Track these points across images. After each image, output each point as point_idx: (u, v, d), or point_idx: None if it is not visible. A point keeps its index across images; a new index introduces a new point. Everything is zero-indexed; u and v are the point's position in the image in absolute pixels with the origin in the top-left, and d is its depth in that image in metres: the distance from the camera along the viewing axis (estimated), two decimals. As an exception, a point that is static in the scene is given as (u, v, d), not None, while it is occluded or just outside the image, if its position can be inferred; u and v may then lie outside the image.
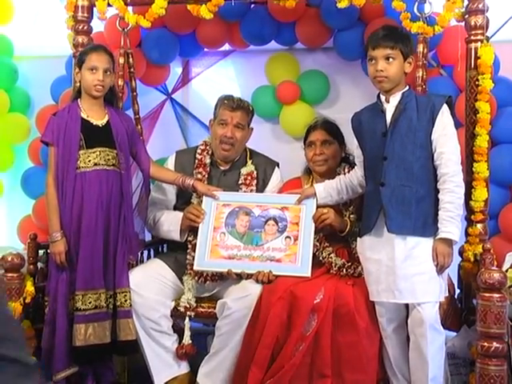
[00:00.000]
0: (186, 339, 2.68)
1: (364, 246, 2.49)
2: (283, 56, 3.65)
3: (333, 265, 2.69)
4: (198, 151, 2.98)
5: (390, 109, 2.42)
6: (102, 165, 2.65)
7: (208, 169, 2.94)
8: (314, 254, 2.72)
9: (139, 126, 3.17)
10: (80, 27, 2.86)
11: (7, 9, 3.25)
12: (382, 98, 2.46)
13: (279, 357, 2.46)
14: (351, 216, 2.77)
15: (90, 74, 2.66)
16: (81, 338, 2.56)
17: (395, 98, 2.42)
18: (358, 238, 2.54)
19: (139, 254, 3.01)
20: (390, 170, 2.37)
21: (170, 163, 3.01)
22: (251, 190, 2.90)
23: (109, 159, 2.67)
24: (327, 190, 2.72)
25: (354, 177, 2.67)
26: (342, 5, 2.76)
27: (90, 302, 2.57)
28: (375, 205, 2.41)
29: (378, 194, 2.40)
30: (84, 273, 2.60)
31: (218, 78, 3.78)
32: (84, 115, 2.69)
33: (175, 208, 2.98)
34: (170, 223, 2.86)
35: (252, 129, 3.03)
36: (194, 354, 2.70)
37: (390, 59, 2.38)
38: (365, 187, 2.60)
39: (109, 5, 2.96)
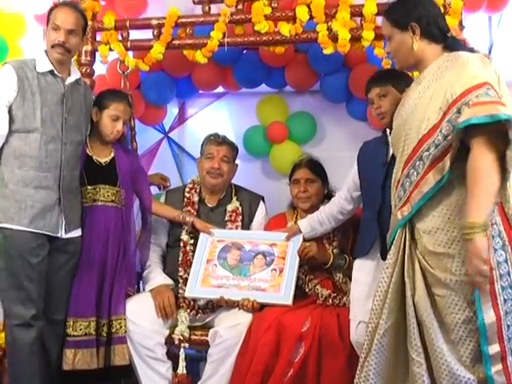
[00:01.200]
0: (181, 369, 2.73)
1: (354, 267, 2.60)
2: (273, 98, 3.73)
3: (319, 295, 2.78)
4: (187, 189, 3.06)
5: None
6: (101, 201, 2.72)
7: (196, 206, 3.02)
8: (300, 287, 2.80)
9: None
10: (83, 70, 2.96)
11: (16, 52, 3.46)
12: (388, 130, 2.50)
13: (269, 383, 2.52)
14: (334, 250, 2.86)
15: (112, 122, 2.74)
16: (69, 363, 2.61)
17: None
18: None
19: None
20: (388, 199, 2.30)
21: (162, 202, 3.08)
22: (236, 227, 2.99)
23: (108, 195, 2.73)
24: (310, 224, 2.83)
25: (334, 205, 2.78)
26: (327, 51, 2.86)
27: (80, 329, 2.63)
28: (371, 231, 2.48)
29: (374, 221, 2.48)
30: (76, 301, 2.65)
31: (212, 119, 3.85)
32: (89, 153, 2.76)
33: (167, 246, 3.05)
34: (149, 285, 2.91)
35: (237, 165, 3.12)
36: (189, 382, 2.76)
37: (382, 96, 2.47)
38: (347, 213, 2.75)
39: (110, 49, 3.07)
